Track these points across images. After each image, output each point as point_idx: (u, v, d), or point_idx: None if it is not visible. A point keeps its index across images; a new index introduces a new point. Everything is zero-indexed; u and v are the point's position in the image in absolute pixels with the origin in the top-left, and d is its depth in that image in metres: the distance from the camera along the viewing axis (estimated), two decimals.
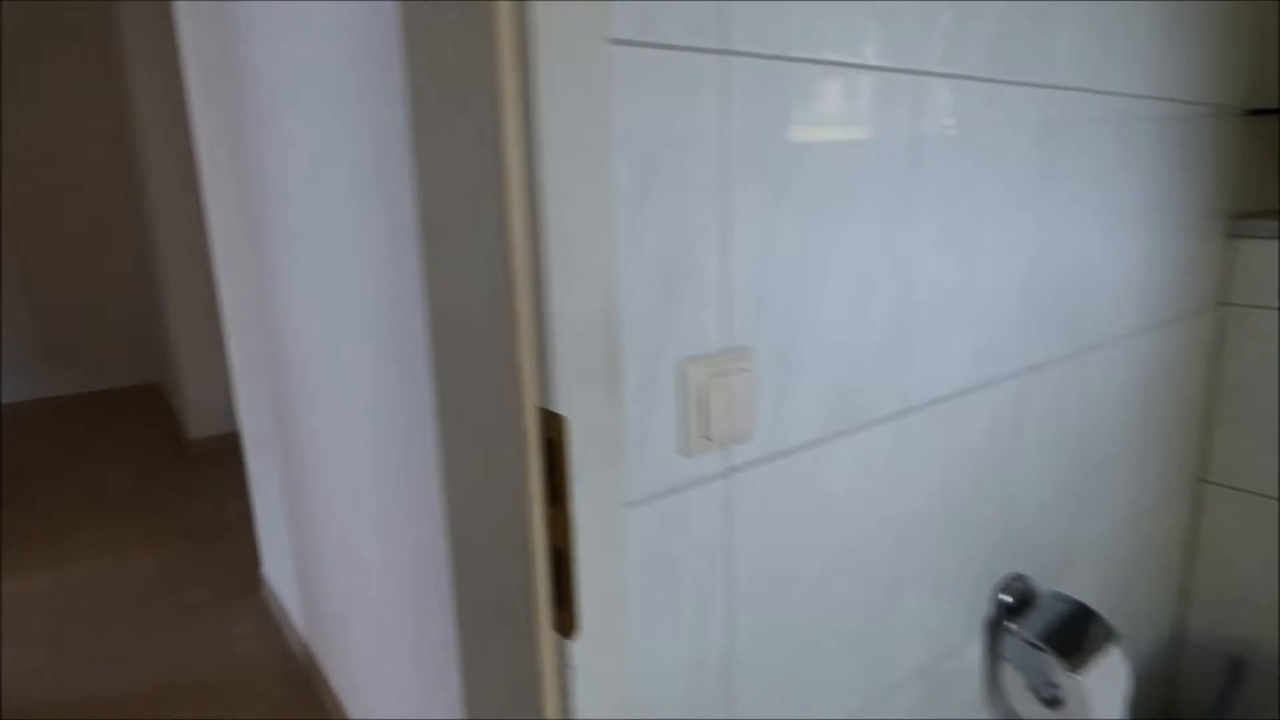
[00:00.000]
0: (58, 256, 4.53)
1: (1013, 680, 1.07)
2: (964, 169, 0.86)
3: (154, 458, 3.79)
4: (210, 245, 3.71)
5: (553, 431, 0.59)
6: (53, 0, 4.28)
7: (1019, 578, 1.10)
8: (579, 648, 0.62)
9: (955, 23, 0.80)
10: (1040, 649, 1.02)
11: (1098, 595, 1.28)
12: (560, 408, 0.58)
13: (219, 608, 2.49)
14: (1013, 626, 1.06)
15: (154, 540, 2.95)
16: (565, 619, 0.62)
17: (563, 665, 0.63)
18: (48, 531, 3.03)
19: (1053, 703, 1.03)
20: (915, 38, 0.77)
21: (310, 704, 2.03)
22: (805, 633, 0.82)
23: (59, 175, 4.46)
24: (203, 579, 2.67)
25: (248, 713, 2.00)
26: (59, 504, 3.28)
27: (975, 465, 0.98)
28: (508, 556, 0.64)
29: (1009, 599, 1.09)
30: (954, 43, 0.81)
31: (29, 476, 3.57)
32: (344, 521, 1.58)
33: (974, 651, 1.06)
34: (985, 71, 0.85)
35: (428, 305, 0.69)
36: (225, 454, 3.81)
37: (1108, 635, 1.06)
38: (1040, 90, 0.93)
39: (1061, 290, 1.05)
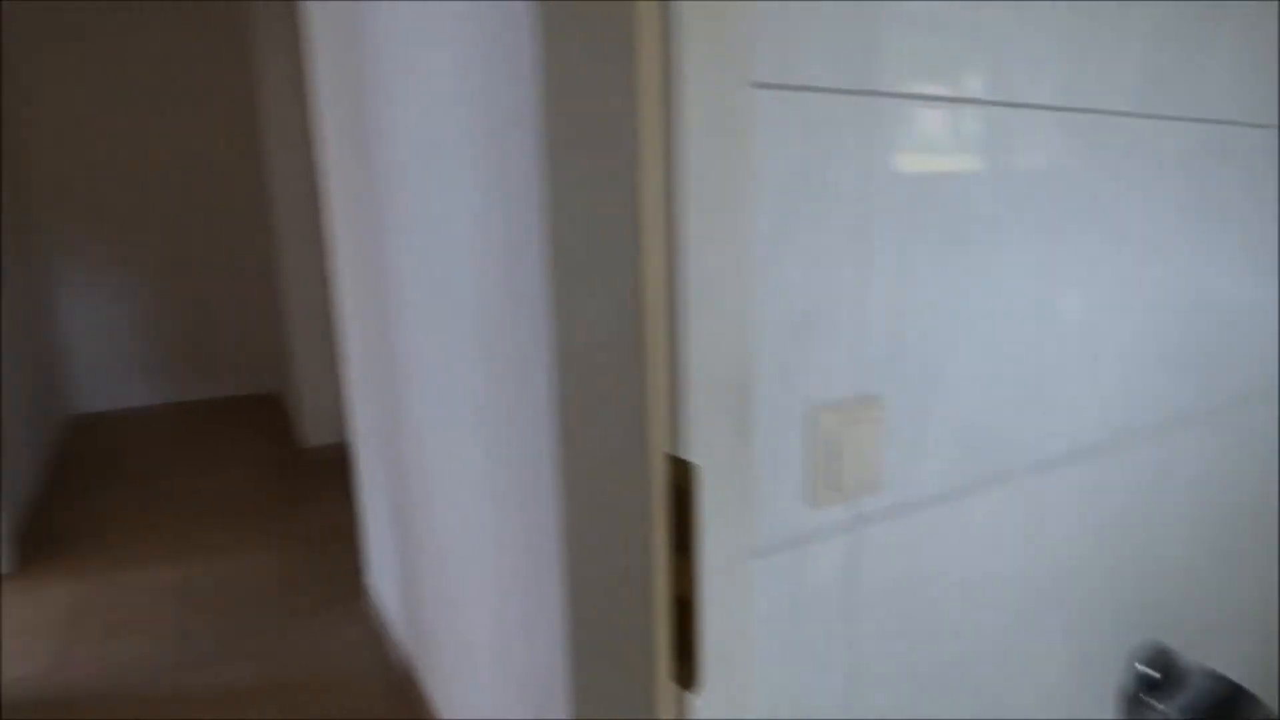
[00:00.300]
0: (192, 272, 4.89)
1: None
2: (1110, 208, 0.80)
3: (272, 463, 4.01)
4: (330, 266, 3.93)
5: (681, 478, 0.58)
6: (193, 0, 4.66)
7: (1161, 648, 1.02)
8: (700, 701, 0.60)
9: (1105, 58, 0.76)
10: None
11: (1249, 672, 1.16)
12: (689, 454, 0.57)
13: (325, 613, 2.60)
14: (1153, 703, 0.97)
15: (270, 543, 3.11)
16: (686, 671, 0.61)
17: (681, 718, 0.61)
18: (177, 528, 3.25)
19: None
20: (1062, 74, 0.73)
21: (408, 714, 2.08)
22: (929, 692, 0.78)
23: (195, 197, 4.83)
24: (313, 584, 2.79)
25: (346, 718, 2.07)
26: (188, 502, 3.51)
27: (1116, 523, 0.91)
28: (628, 603, 0.63)
29: (1149, 671, 1.00)
30: (1103, 78, 0.76)
31: (163, 474, 3.84)
32: (449, 541, 1.61)
33: None
34: (1135, 106, 0.80)
35: (554, 342, 0.69)
36: (337, 463, 3.99)
37: None
38: (1192, 124, 0.86)
39: (1213, 337, 0.96)
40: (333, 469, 3.91)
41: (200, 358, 5.00)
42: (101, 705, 2.14)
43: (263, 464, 4.00)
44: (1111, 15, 0.75)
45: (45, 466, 3.84)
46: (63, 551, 3.05)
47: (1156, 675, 1.00)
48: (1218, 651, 1.11)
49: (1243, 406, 1.03)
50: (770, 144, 0.59)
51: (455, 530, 1.56)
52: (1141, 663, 1.00)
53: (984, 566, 0.79)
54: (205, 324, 4.97)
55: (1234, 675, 1.12)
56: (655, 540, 0.59)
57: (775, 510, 0.64)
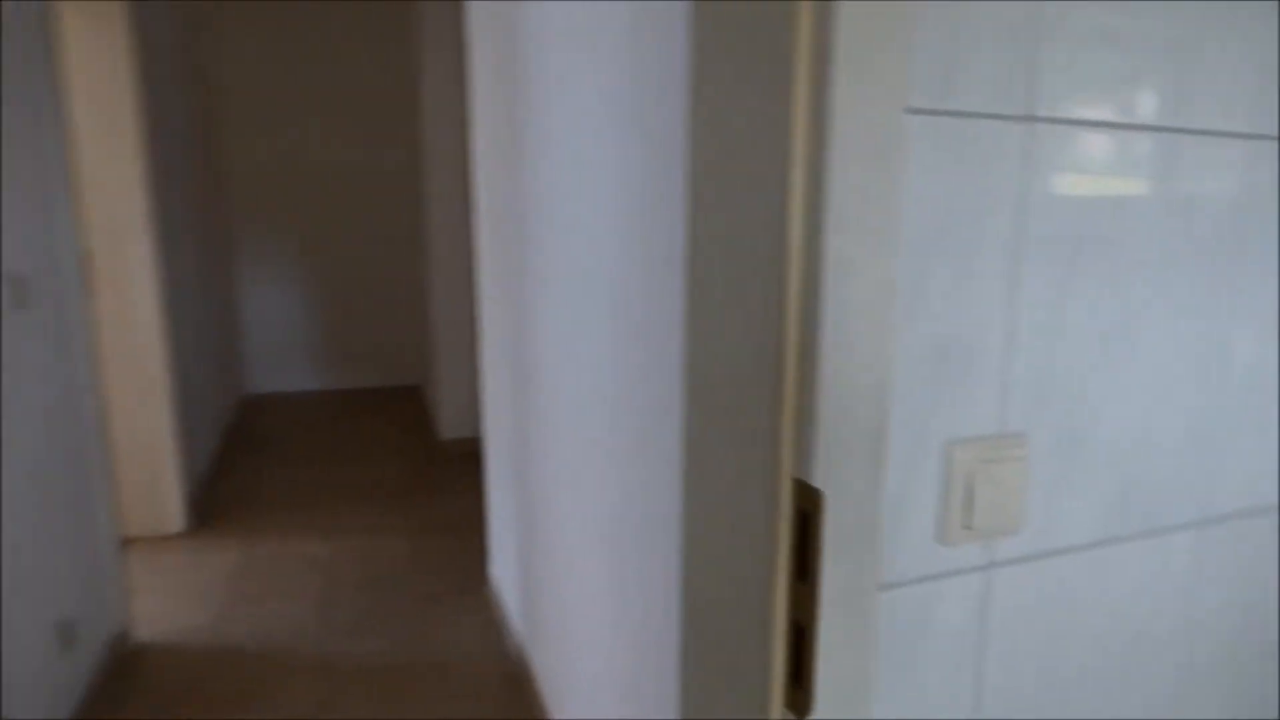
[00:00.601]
0: (353, 271, 5.30)
1: None
2: None
3: (410, 453, 4.28)
4: (476, 272, 4.15)
5: (807, 504, 0.58)
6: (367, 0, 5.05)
7: None
8: None
9: None
10: None
11: None
12: (818, 481, 0.57)
13: (452, 599, 2.74)
14: None
15: (405, 528, 3.32)
16: (800, 697, 0.60)
17: None
18: (325, 506, 3.52)
19: None
20: (1256, 95, 0.67)
21: (520, 705, 2.15)
22: None
23: (360, 202, 5.24)
24: (441, 570, 2.95)
25: (464, 703, 2.17)
26: (335, 483, 3.80)
27: None
28: (745, 624, 0.63)
29: None
30: None
31: (316, 454, 4.18)
32: (570, 544, 1.67)
33: None
34: None
35: (686, 358, 0.71)
36: (470, 456, 4.20)
37: None
38: None
39: None
40: (466, 462, 4.12)
41: (355, 349, 5.41)
42: (257, 661, 2.35)
43: (403, 453, 4.27)
44: None
45: (220, 440, 4.27)
46: (228, 517, 3.39)
47: None
48: None
49: None
50: (920, 170, 0.58)
51: (576, 534, 1.61)
52: None
53: (1132, 626, 0.73)
54: (361, 319, 5.38)
55: None
56: (776, 563, 0.59)
57: (904, 544, 0.63)
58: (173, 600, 2.71)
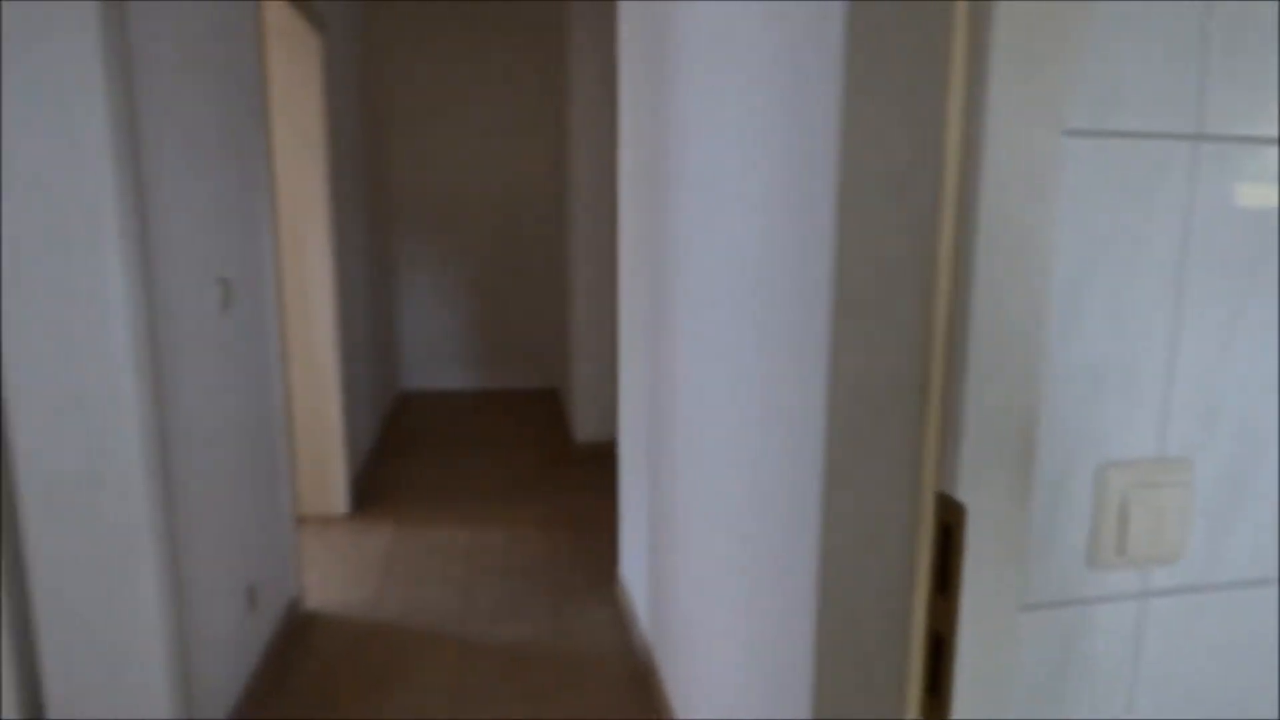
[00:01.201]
0: (501, 278, 5.61)
1: None
2: None
3: (548, 452, 4.47)
4: (616, 281, 4.27)
5: (950, 517, 0.59)
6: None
7: None
8: None
9: None
10: None
11: None
12: (961, 495, 0.58)
13: (583, 593, 2.85)
14: None
15: (542, 523, 3.48)
16: (936, 707, 0.61)
17: None
18: (469, 498, 3.75)
19: None
20: None
21: (645, 702, 2.22)
22: None
23: (509, 212, 5.53)
24: (573, 565, 3.07)
25: (592, 694, 2.26)
26: (478, 476, 4.04)
27: None
28: (883, 631, 0.65)
29: None
30: None
31: (462, 449, 4.46)
32: (701, 550, 1.71)
33: None
34: None
35: (831, 370, 0.73)
36: (604, 457, 4.34)
37: None
38: None
39: None
40: (598, 463, 4.25)
41: (499, 352, 5.71)
42: (406, 635, 2.55)
43: (540, 451, 4.47)
44: None
45: (377, 431, 4.64)
46: (383, 502, 3.68)
47: None
48: None
49: None
50: (1077, 190, 0.58)
51: (707, 539, 1.65)
52: None
53: None
54: (506, 324, 5.68)
55: None
56: (917, 574, 0.61)
57: (1050, 566, 0.62)
58: (336, 575, 2.98)
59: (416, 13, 5.09)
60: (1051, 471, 0.61)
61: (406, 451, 4.43)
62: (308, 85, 3.13)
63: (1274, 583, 0.67)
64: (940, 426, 0.59)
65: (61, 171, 1.43)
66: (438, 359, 5.65)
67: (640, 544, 2.48)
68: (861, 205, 0.68)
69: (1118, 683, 0.65)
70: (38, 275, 1.45)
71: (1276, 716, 0.70)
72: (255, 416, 2.32)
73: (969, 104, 0.56)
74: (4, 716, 1.47)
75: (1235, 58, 0.58)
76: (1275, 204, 0.61)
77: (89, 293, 1.47)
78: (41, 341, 1.47)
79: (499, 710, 2.19)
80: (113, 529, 1.56)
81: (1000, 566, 0.59)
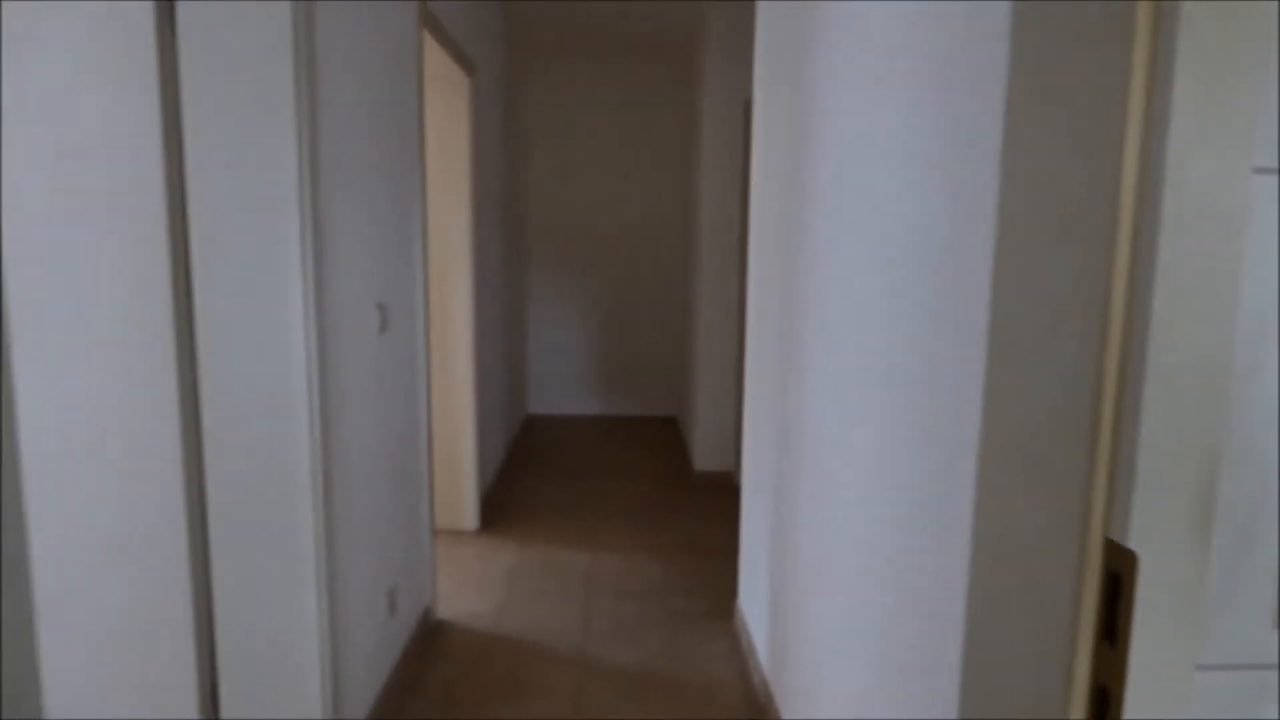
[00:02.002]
0: (625, 306, 5.75)
1: None
2: None
3: (667, 480, 4.51)
4: (742, 313, 4.28)
5: (1119, 565, 0.57)
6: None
7: None
8: None
9: None
10: None
11: None
12: (1132, 542, 0.56)
13: (700, 623, 2.84)
14: None
15: (660, 549, 3.50)
16: None
17: None
18: (590, 521, 3.84)
19: None
20: None
21: None
22: None
23: (634, 243, 5.67)
24: (691, 594, 3.08)
25: None
26: (599, 500, 4.13)
27: None
28: (1042, 680, 0.63)
29: None
30: None
31: (584, 473, 4.57)
32: (830, 587, 1.68)
33: None
34: None
35: (985, 409, 0.72)
36: (722, 488, 4.33)
37: None
38: None
39: None
40: (717, 493, 4.24)
41: (621, 380, 5.84)
42: (527, 650, 2.63)
43: (659, 479, 4.51)
44: None
45: (505, 452, 4.84)
46: (508, 520, 3.82)
47: None
48: None
49: None
50: (1263, 229, 0.55)
51: (839, 582, 1.62)
52: None
53: None
54: (629, 352, 5.80)
55: None
56: (1082, 622, 0.59)
57: (1232, 624, 0.59)
58: (465, 588, 3.11)
59: (552, 53, 5.36)
60: (1235, 520, 0.58)
61: (532, 473, 4.59)
62: (457, 124, 3.36)
63: None
64: (1110, 470, 0.57)
65: (256, 211, 1.62)
66: (562, 385, 5.84)
67: (761, 577, 2.46)
68: (1026, 243, 0.67)
69: None
70: (234, 293, 1.63)
71: None
72: (402, 434, 2.48)
73: (1148, 136, 0.55)
74: (191, 717, 1.62)
75: None
76: None
77: (275, 316, 1.64)
78: (236, 356, 1.65)
79: None
80: (283, 537, 1.72)
81: (1175, 620, 0.57)
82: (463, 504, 3.65)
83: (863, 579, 1.47)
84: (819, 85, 1.77)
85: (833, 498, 1.67)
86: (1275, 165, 0.55)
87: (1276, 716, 0.60)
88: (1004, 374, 0.69)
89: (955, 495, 1.08)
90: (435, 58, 3.08)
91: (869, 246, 1.42)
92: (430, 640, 2.70)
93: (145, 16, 1.35)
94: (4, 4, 0.96)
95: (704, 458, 4.49)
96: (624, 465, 4.75)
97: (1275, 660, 0.59)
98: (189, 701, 1.46)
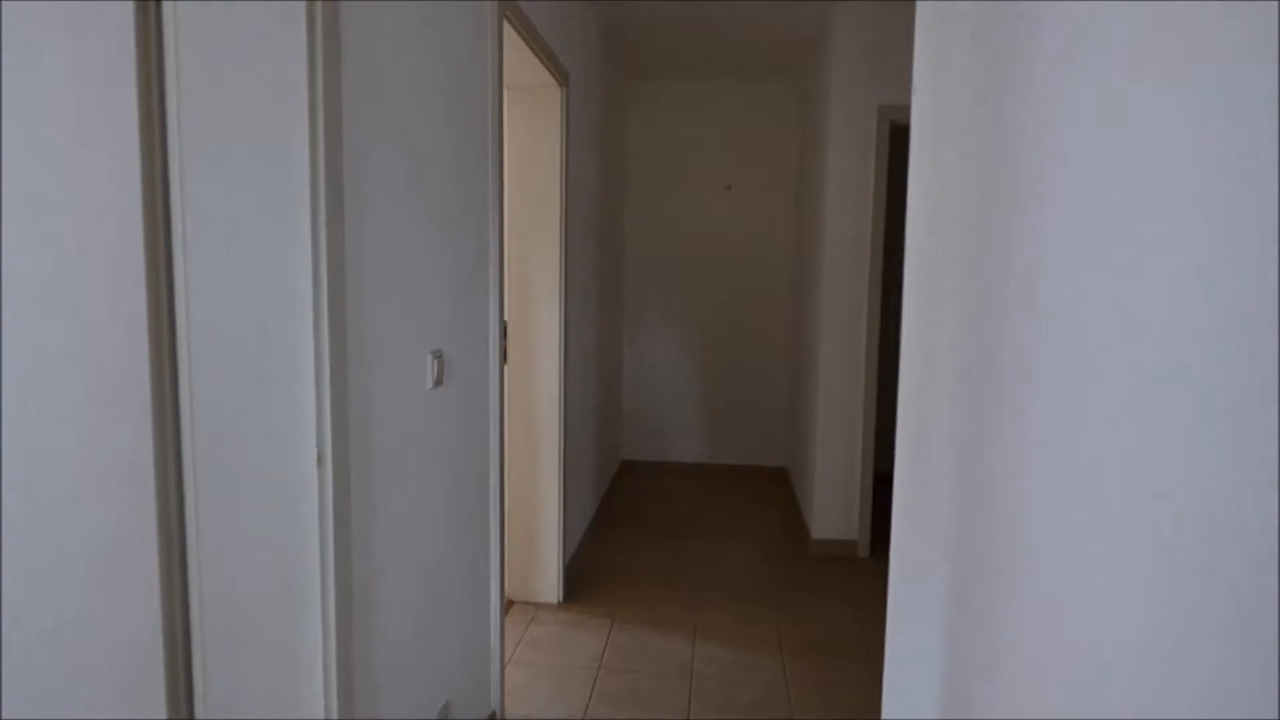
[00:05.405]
0: (729, 349, 5.21)
1: None
2: None
3: (778, 546, 3.90)
4: (872, 365, 3.69)
5: None
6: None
7: None
8: None
9: None
10: None
11: None
12: None
13: None
14: None
15: (774, 643, 2.91)
16: None
17: None
18: (691, 594, 3.28)
19: None
20: None
21: None
22: None
23: (738, 283, 5.14)
24: (818, 706, 2.47)
25: None
26: (700, 567, 3.57)
27: None
28: None
29: None
30: None
31: (683, 531, 4.03)
32: None
33: None
34: None
35: None
36: (848, 561, 3.70)
37: None
38: None
39: None
40: (844, 568, 3.61)
41: (724, 425, 5.27)
42: None
43: (768, 544, 3.91)
44: None
45: (597, 505, 4.35)
46: (597, 590, 3.31)
47: None
48: None
49: None
50: None
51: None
52: None
53: None
54: (733, 395, 5.24)
55: None
56: None
57: None
58: (541, 680, 2.62)
59: (653, 68, 4.95)
60: None
61: (625, 531, 4.09)
62: (546, 140, 2.96)
63: None
64: None
65: (251, 246, 1.20)
66: (661, 429, 5.33)
67: (929, 699, 1.84)
68: None
69: None
70: (224, 354, 1.22)
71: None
72: (465, 500, 2.03)
73: None
74: None
75: None
76: None
77: (280, 387, 1.22)
78: (226, 431, 1.23)
79: None
80: (292, 651, 1.28)
81: None
82: (544, 573, 3.17)
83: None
84: (1038, 68, 1.22)
85: (1062, 609, 1.07)
86: None
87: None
88: None
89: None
90: (520, 63, 2.69)
91: (1134, 281, 0.86)
92: None
93: (126, 14, 1.05)
94: None
95: (823, 524, 3.87)
96: (728, 525, 4.18)
97: None
98: None
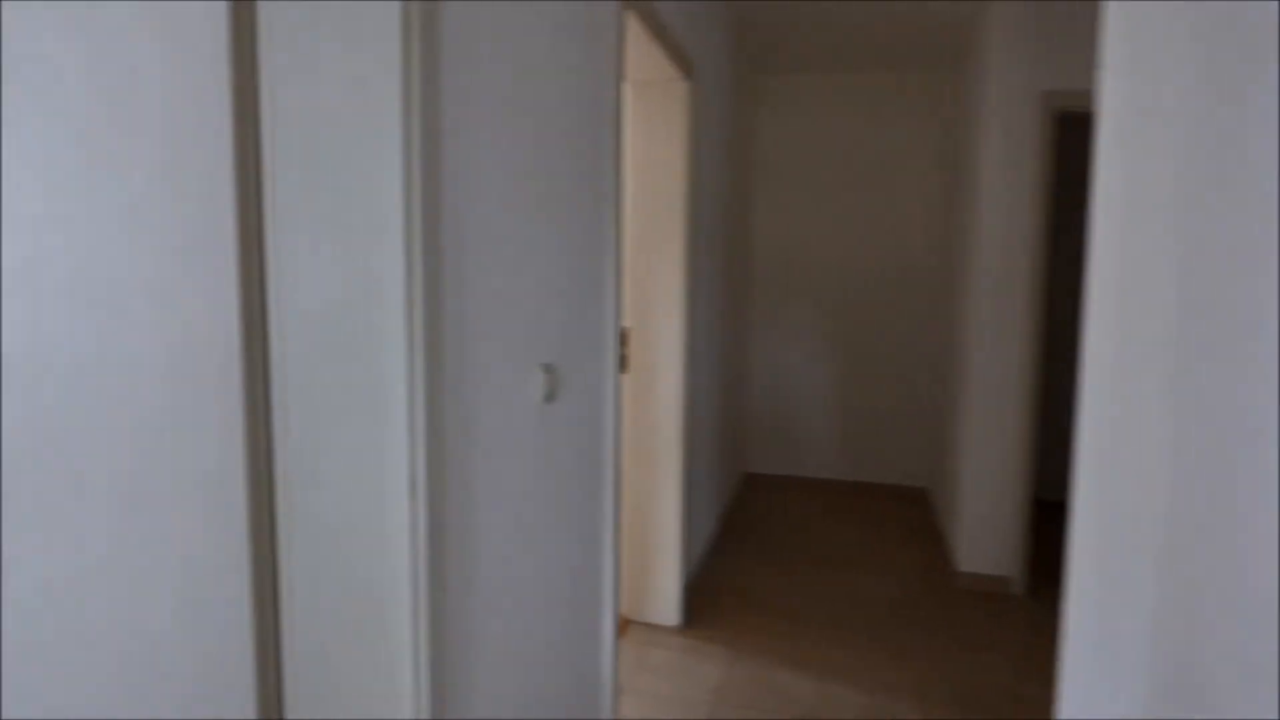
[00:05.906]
0: (866, 360, 4.86)
1: None
2: None
3: (917, 577, 3.56)
4: (1037, 383, 3.29)
5: None
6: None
7: None
8: None
9: None
10: None
11: None
12: None
13: None
14: None
15: (912, 689, 2.61)
16: None
17: None
18: (817, 624, 3.03)
19: None
20: None
21: None
22: None
23: (878, 290, 4.78)
24: None
25: None
26: (830, 596, 3.30)
27: None
28: None
29: None
30: None
31: (812, 555, 3.76)
32: None
33: None
34: None
35: None
36: (1002, 600, 3.32)
37: None
38: None
39: None
40: (997, 607, 3.24)
41: (857, 440, 4.93)
42: None
43: (906, 575, 3.58)
44: None
45: (717, 522, 4.15)
46: (719, 616, 3.12)
47: None
48: None
49: None
50: None
51: None
52: None
53: None
54: (868, 406, 4.89)
55: None
56: None
57: None
58: (657, 710, 2.46)
59: (786, 63, 4.70)
60: None
61: (749, 551, 3.86)
62: (670, 137, 2.81)
63: None
64: None
65: (363, 284, 1.11)
66: (789, 441, 5.05)
67: None
68: None
69: None
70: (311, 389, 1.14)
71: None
72: (578, 519, 1.91)
73: None
74: None
75: None
76: None
77: (368, 415, 1.12)
78: (312, 464, 1.15)
79: None
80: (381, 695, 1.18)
81: None
82: (662, 593, 3.02)
83: None
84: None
85: None
86: None
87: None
88: None
89: None
90: (643, 55, 2.54)
91: None
92: None
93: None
94: None
95: (970, 555, 3.49)
96: (862, 551, 3.86)
97: None
98: None
